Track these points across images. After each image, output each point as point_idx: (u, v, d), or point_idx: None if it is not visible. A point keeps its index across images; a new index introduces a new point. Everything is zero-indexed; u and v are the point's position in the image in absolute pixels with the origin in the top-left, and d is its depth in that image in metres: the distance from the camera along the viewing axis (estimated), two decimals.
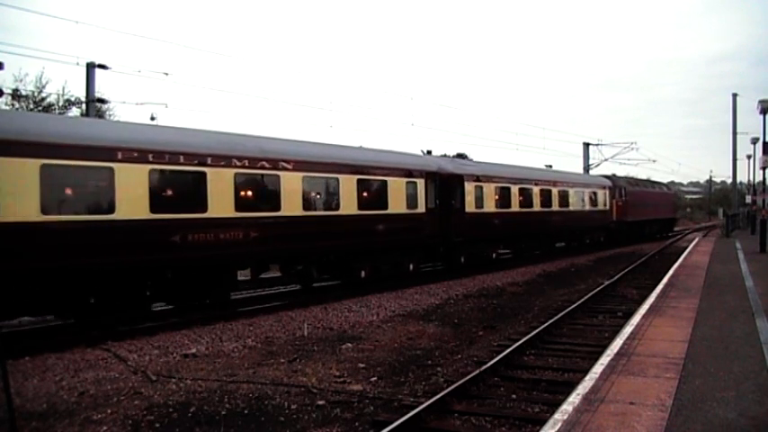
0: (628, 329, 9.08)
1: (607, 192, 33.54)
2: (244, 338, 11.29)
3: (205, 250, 12.27)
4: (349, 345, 10.83)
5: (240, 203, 13.03)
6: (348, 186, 16.01)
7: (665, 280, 15.20)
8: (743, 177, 69.40)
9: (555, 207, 27.18)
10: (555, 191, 27.31)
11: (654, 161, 51.82)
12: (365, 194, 16.64)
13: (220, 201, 12.57)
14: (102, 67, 19.64)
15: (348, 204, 15.95)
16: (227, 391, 7.98)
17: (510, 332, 11.87)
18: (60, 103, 26.64)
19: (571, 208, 28.81)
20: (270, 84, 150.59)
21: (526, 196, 24.73)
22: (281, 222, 13.97)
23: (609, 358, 7.37)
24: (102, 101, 22.52)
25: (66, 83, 58.64)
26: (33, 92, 26.22)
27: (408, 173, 18.20)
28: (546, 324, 11.73)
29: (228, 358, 9.91)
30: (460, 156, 24.70)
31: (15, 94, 25.42)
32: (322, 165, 15.34)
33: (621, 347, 7.93)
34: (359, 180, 16.38)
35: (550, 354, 10.07)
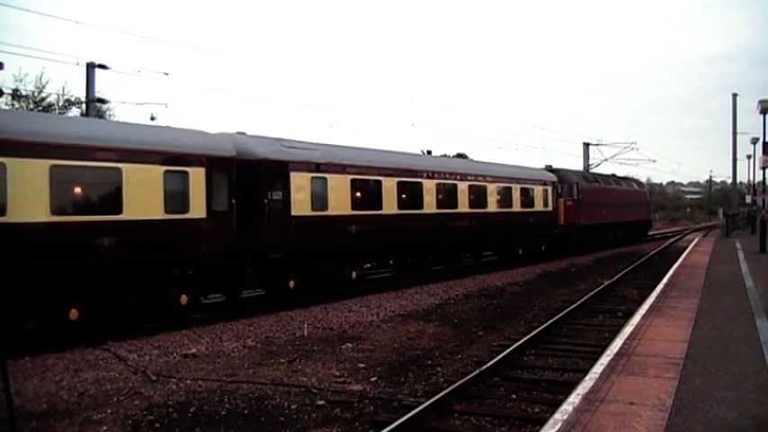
0: (628, 329, 9.08)
1: (550, 189, 27.02)
2: (244, 338, 11.29)
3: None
4: (349, 345, 10.83)
5: None
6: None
7: (665, 280, 15.20)
8: (743, 177, 69.37)
9: (463, 208, 20.71)
10: (463, 186, 20.78)
11: (654, 161, 51.75)
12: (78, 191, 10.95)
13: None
14: (102, 67, 19.62)
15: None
16: (227, 391, 7.99)
17: (510, 332, 11.86)
18: (60, 103, 26.66)
19: (491, 209, 22.42)
20: (270, 84, 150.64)
21: (411, 193, 18.41)
22: None
23: (609, 358, 7.37)
24: (102, 101, 22.52)
25: (66, 83, 58.77)
26: (33, 92, 26.25)
27: (171, 158, 12.12)
28: (546, 324, 11.73)
29: (228, 358, 9.91)
30: (460, 156, 24.38)
31: (15, 94, 25.42)
32: None
33: (621, 347, 7.93)
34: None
35: (550, 354, 10.07)
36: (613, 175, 38.13)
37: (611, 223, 33.87)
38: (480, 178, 22.04)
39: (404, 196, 18.09)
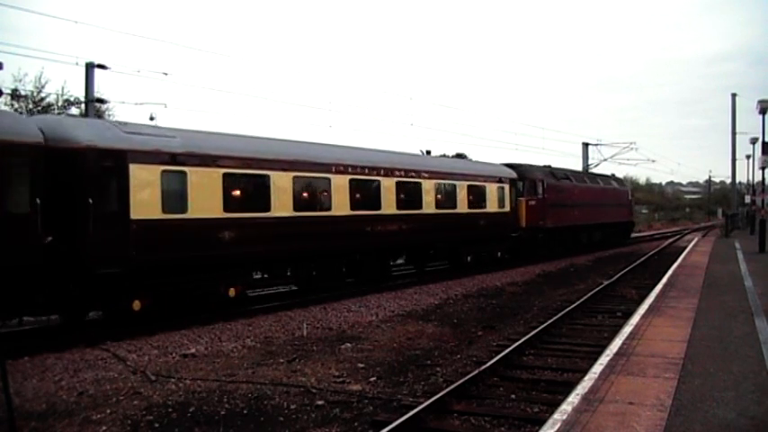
0: (627, 329, 9.08)
1: (507, 187, 23.21)
2: (243, 338, 11.29)
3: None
4: (348, 345, 10.83)
5: None
6: None
7: (664, 280, 15.21)
8: (742, 177, 69.51)
9: (388, 209, 17.23)
10: (388, 183, 17.33)
11: (653, 161, 51.81)
12: None
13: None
14: (102, 67, 19.64)
15: None
16: (226, 391, 7.99)
17: (509, 332, 11.87)
18: (59, 103, 26.65)
19: (427, 210, 18.84)
20: (269, 84, 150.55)
21: (314, 191, 15.38)
22: None
23: (608, 358, 7.37)
24: (102, 101, 22.54)
25: (65, 83, 58.51)
26: (33, 92, 26.25)
27: None
28: (545, 324, 11.74)
29: (228, 358, 9.91)
30: (460, 156, 24.17)
31: (15, 94, 25.41)
32: None
33: (621, 347, 7.93)
34: None
35: (550, 354, 10.07)
36: (588, 172, 35.11)
37: (585, 225, 30.36)
38: (413, 174, 18.44)
39: (304, 195, 14.97)
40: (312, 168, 15.18)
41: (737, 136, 42.66)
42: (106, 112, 26.20)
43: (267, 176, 13.88)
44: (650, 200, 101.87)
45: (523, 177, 25.14)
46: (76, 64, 19.17)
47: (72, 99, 26.31)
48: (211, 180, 12.67)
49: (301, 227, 14.61)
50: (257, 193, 13.87)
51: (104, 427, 6.76)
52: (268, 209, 13.87)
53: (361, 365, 9.44)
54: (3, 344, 6.53)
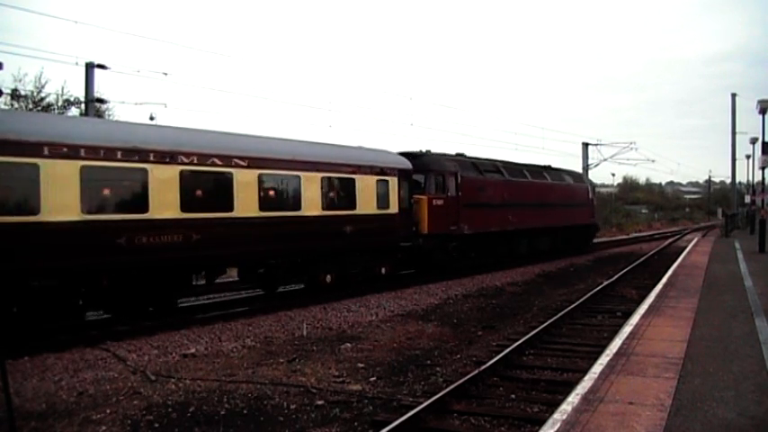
0: (627, 329, 9.08)
1: (394, 181, 17.21)
2: (243, 338, 11.29)
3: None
4: (348, 345, 10.83)
5: None
6: None
7: (664, 280, 15.20)
8: (742, 177, 69.62)
9: (164, 211, 11.61)
10: (167, 174, 11.69)
11: (653, 161, 51.87)
12: None
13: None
14: (102, 67, 19.66)
15: None
16: (226, 391, 7.99)
17: (509, 332, 11.87)
18: (59, 103, 26.66)
19: (244, 213, 13.04)
20: (269, 84, 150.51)
21: (97, 186, 10.89)
22: None
23: (608, 358, 7.37)
24: (102, 101, 22.55)
25: (65, 83, 58.74)
26: (32, 92, 26.25)
27: None
28: (545, 324, 11.74)
29: (228, 358, 9.91)
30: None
31: (15, 94, 25.42)
32: None
33: (621, 347, 7.93)
34: None
35: (550, 354, 10.07)
36: (533, 165, 27.68)
37: (524, 230, 24.30)
38: (217, 160, 12.54)
39: (82, 191, 10.58)
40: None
41: (737, 136, 42.78)
42: (106, 112, 26.22)
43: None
44: (650, 200, 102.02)
45: (426, 169, 19.00)
46: (76, 64, 19.22)
47: (72, 99, 26.35)
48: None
49: (76, 235, 10.52)
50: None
51: (104, 427, 6.76)
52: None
53: (361, 365, 9.45)
54: (3, 344, 6.53)
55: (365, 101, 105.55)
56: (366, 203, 16.40)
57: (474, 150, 48.35)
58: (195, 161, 12.18)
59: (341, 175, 15.78)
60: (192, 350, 10.34)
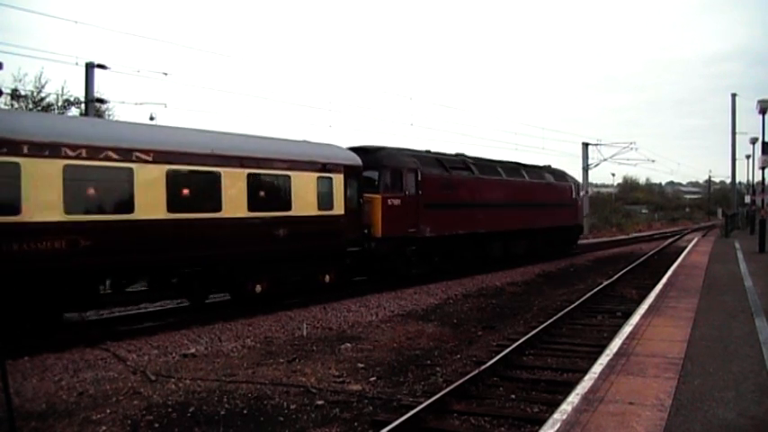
0: (627, 329, 9.08)
1: (339, 178, 15.40)
2: (243, 338, 11.29)
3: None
4: (348, 345, 10.83)
5: None
6: None
7: (664, 280, 15.20)
8: (742, 177, 69.63)
9: (43, 214, 9.98)
10: (49, 170, 10.03)
11: (653, 161, 51.85)
12: None
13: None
14: (102, 66, 19.65)
15: None
16: (226, 391, 7.99)
17: (509, 332, 11.87)
18: (59, 103, 26.65)
19: (146, 214, 11.27)
20: (270, 84, 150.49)
21: None
22: None
23: (608, 358, 7.37)
24: (102, 101, 22.52)
25: (65, 83, 58.62)
26: (32, 92, 26.22)
27: None
28: (545, 324, 11.74)
29: (228, 358, 9.91)
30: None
31: (15, 94, 25.41)
32: None
33: (621, 347, 7.93)
34: None
35: (550, 354, 10.07)
36: (508, 162, 25.27)
37: (498, 233, 22.32)
38: (114, 154, 10.87)
39: None
40: None
41: (737, 136, 42.79)
42: (106, 112, 26.22)
43: None
44: (650, 200, 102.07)
45: (380, 165, 17.23)
46: (76, 64, 19.20)
47: (72, 99, 26.34)
48: None
49: None
50: None
51: (104, 427, 6.76)
52: None
53: (361, 365, 9.45)
54: (3, 344, 6.53)
55: (365, 101, 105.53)
56: (304, 204, 14.51)
57: (474, 150, 48.22)
58: (84, 155, 10.42)
59: (273, 171, 13.82)
60: (192, 350, 10.34)
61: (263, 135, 14.77)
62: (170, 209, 11.64)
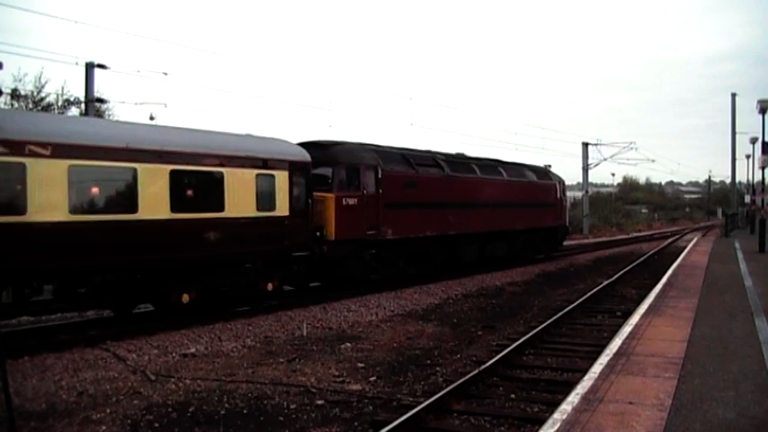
0: (627, 329, 9.08)
1: (284, 176, 13.86)
2: (243, 338, 11.29)
3: None
4: (348, 344, 10.83)
5: None
6: None
7: (663, 280, 15.20)
8: (742, 177, 69.52)
9: None
10: None
11: (653, 161, 51.98)
12: None
13: None
14: (102, 66, 19.67)
15: None
16: (226, 391, 7.99)
17: (509, 332, 11.87)
18: (59, 103, 26.65)
19: (48, 216, 10.00)
20: (270, 84, 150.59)
21: None
22: None
23: (608, 358, 7.37)
24: (102, 101, 22.55)
25: (65, 83, 58.48)
26: (32, 92, 26.21)
27: None
28: (545, 324, 11.74)
29: (227, 358, 9.91)
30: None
31: (15, 94, 25.41)
32: None
33: (620, 347, 7.93)
34: None
35: (549, 353, 10.07)
36: (485, 158, 23.71)
37: (472, 234, 20.70)
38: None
39: None
40: None
41: (737, 136, 42.76)
42: (106, 112, 26.21)
43: None
44: (650, 200, 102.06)
45: (334, 162, 15.65)
46: (76, 64, 19.19)
47: (72, 99, 26.33)
48: None
49: None
50: None
51: (104, 427, 6.76)
52: None
53: (360, 365, 9.45)
54: (3, 344, 6.53)
55: (365, 101, 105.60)
56: (240, 204, 12.91)
57: (474, 150, 48.18)
58: None
59: (201, 168, 12.28)
60: (192, 350, 10.34)
61: (191, 128, 13.31)
62: (72, 210, 10.31)
